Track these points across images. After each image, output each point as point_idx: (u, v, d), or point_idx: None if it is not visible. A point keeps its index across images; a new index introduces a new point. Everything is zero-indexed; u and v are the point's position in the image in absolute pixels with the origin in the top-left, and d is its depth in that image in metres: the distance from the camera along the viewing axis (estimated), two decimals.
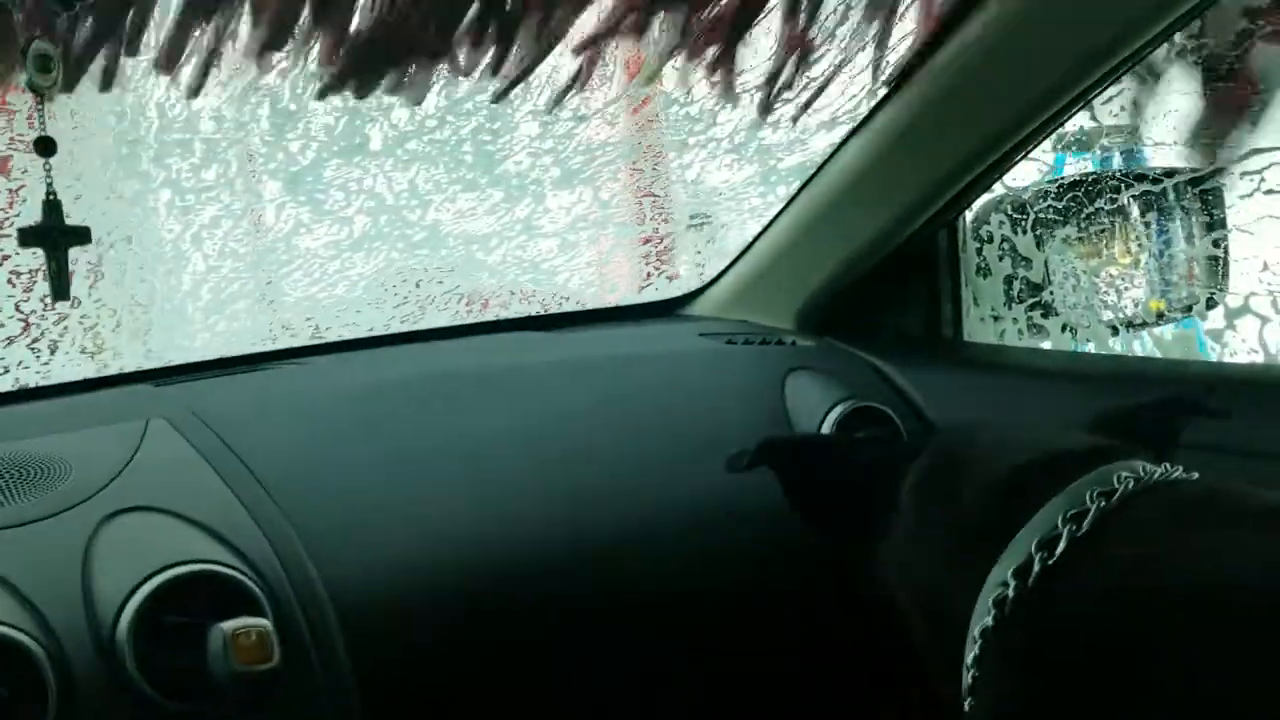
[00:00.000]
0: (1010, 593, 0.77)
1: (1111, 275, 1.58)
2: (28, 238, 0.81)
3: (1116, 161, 2.42)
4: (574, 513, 1.25)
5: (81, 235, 0.82)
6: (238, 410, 1.23)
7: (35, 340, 1.56)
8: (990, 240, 1.59)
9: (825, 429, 1.42)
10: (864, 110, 1.44)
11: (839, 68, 1.40)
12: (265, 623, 0.92)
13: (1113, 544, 0.76)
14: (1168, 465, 0.82)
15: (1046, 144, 1.47)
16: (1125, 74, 1.27)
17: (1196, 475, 0.82)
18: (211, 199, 1.78)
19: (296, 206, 1.80)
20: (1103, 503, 0.77)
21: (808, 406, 1.46)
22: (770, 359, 1.55)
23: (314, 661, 0.98)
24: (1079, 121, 1.67)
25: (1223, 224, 1.49)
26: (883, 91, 1.41)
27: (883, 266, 1.57)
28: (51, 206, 0.81)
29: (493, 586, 1.14)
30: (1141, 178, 1.52)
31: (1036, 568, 0.77)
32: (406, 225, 1.84)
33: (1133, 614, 0.72)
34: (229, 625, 0.90)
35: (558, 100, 1.50)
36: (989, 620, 0.79)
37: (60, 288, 0.81)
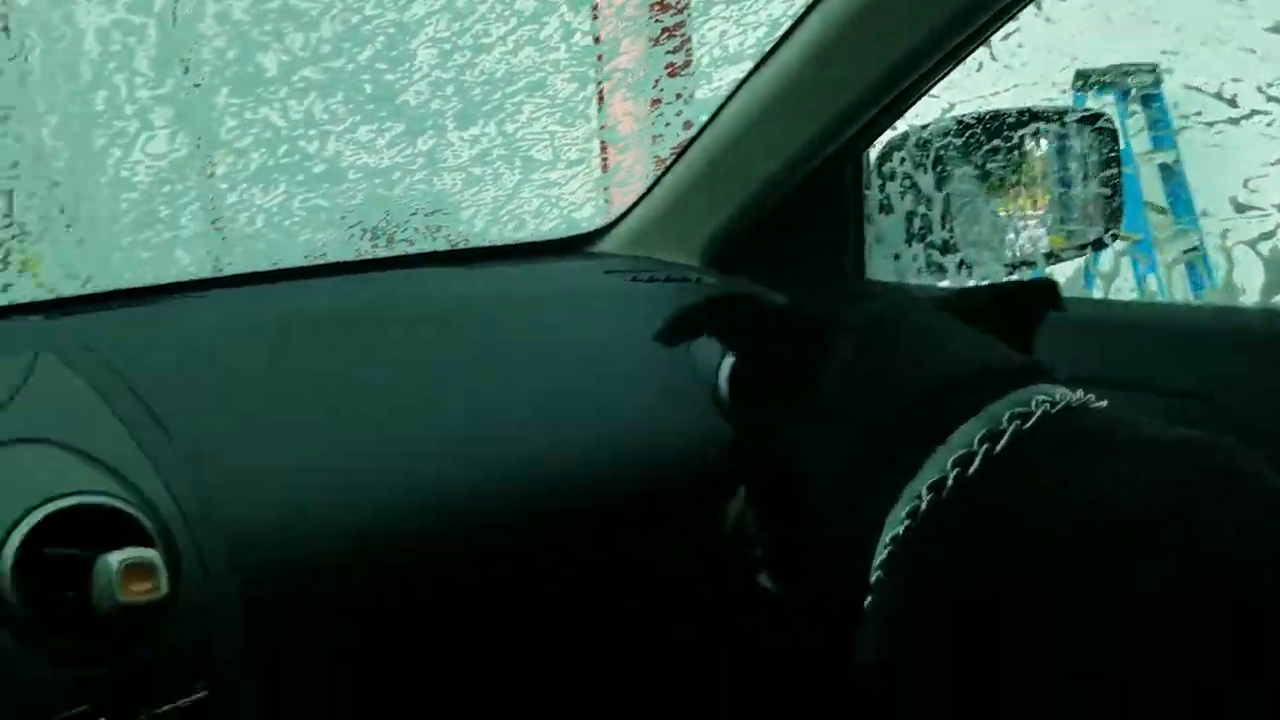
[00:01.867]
0: (923, 505, 0.80)
1: (1009, 213, 1.61)
2: None
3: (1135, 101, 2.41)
4: (474, 451, 1.24)
5: None
6: (130, 343, 1.20)
7: None
8: (893, 177, 1.61)
9: (724, 370, 1.43)
10: (769, 44, 1.45)
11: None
12: (153, 554, 0.91)
13: (1021, 468, 0.78)
14: (1080, 392, 0.84)
15: (1065, 83, 1.47)
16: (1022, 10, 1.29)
17: (1105, 404, 0.84)
18: (100, 125, 1.71)
19: (188, 135, 1.75)
20: (1019, 424, 0.79)
21: (709, 344, 1.46)
22: (674, 296, 1.56)
23: (203, 592, 0.97)
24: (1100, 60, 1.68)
25: (1115, 163, 1.53)
26: (786, 25, 1.42)
27: (788, 203, 1.58)
28: None
29: (387, 522, 1.14)
30: (1037, 116, 1.55)
31: (950, 483, 0.79)
32: (305, 157, 1.80)
33: (1024, 541, 0.75)
34: (116, 557, 0.89)
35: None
36: (899, 529, 0.81)
37: None
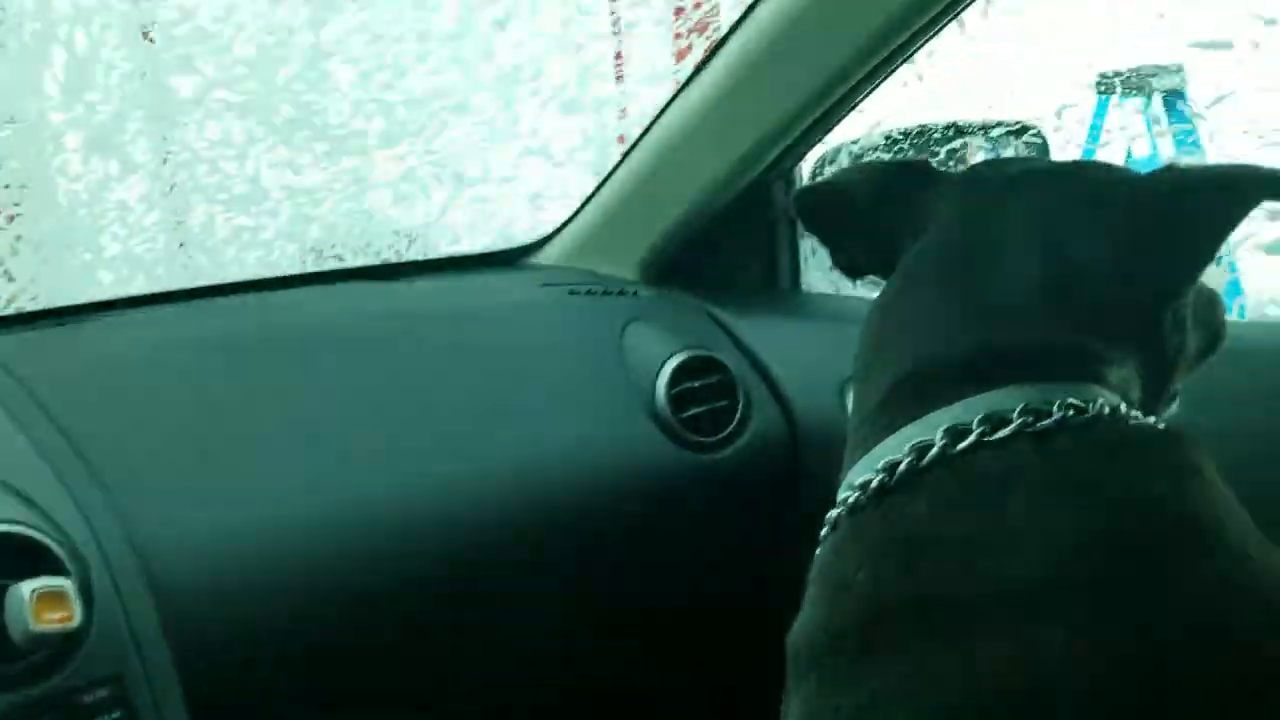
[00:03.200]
0: (839, 513, 0.74)
1: None
2: None
3: (1156, 105, 2.34)
4: (410, 469, 1.23)
5: None
6: (47, 365, 1.17)
7: None
8: None
9: (660, 380, 1.42)
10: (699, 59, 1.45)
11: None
12: (66, 582, 0.89)
13: (915, 497, 0.70)
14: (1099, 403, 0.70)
15: (1088, 86, 1.42)
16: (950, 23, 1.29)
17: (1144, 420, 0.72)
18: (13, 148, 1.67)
19: (103, 158, 1.71)
20: (986, 428, 0.69)
21: (644, 356, 1.46)
22: (611, 309, 1.55)
23: (119, 620, 0.94)
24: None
25: None
26: (717, 38, 1.42)
27: (723, 216, 1.58)
28: None
29: (312, 542, 1.12)
30: (963, 131, 1.56)
31: (874, 484, 0.71)
32: (225, 177, 1.77)
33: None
34: (28, 585, 0.87)
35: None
36: (841, 510, 0.75)
37: None
